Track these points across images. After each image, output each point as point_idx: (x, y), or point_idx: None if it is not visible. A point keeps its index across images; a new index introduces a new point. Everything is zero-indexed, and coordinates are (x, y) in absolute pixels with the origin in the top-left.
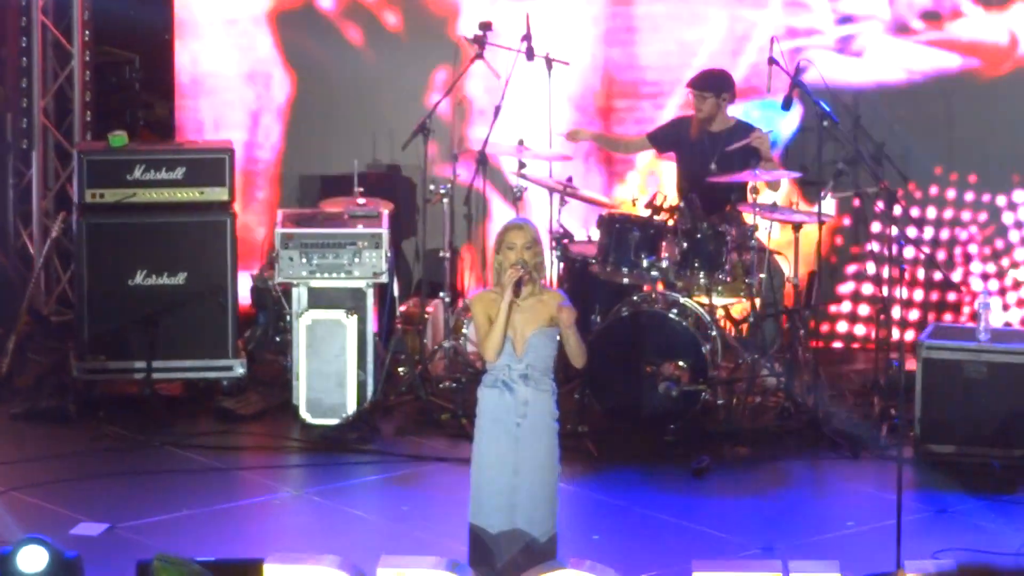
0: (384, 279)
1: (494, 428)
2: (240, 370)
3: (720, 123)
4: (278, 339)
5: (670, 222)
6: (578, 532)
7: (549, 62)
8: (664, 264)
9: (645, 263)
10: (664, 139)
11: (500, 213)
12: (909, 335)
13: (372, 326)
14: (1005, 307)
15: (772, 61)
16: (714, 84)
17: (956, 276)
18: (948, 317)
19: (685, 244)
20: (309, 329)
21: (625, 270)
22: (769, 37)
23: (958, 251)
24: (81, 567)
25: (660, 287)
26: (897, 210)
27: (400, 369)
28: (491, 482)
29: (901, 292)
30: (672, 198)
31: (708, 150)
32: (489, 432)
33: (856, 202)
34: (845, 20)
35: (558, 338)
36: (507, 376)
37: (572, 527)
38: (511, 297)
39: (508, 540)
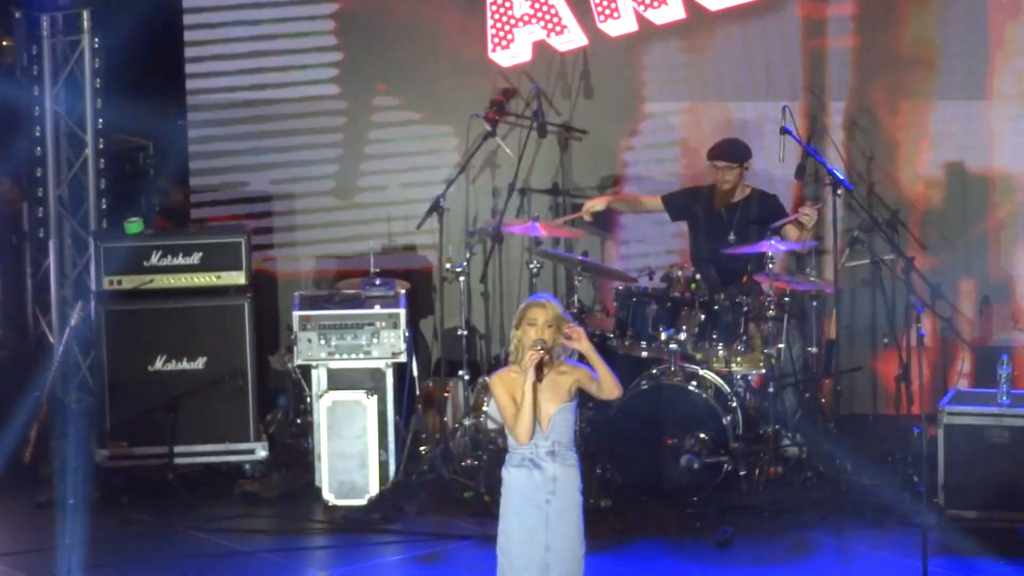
0: (403, 359)
1: (524, 506)
2: (262, 453)
3: (740, 192)
4: (299, 421)
5: (687, 293)
6: None
7: (565, 136)
8: (682, 336)
9: (663, 336)
10: (680, 206)
11: (516, 289)
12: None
13: (392, 406)
14: None
15: (785, 130)
16: (738, 154)
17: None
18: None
19: (703, 316)
20: (329, 410)
21: (644, 343)
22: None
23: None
24: None
25: (679, 359)
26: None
27: (421, 448)
28: (523, 560)
29: (921, 359)
30: (687, 269)
31: (727, 221)
32: (518, 511)
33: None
34: None
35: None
36: (534, 454)
37: None
38: (534, 379)
39: None
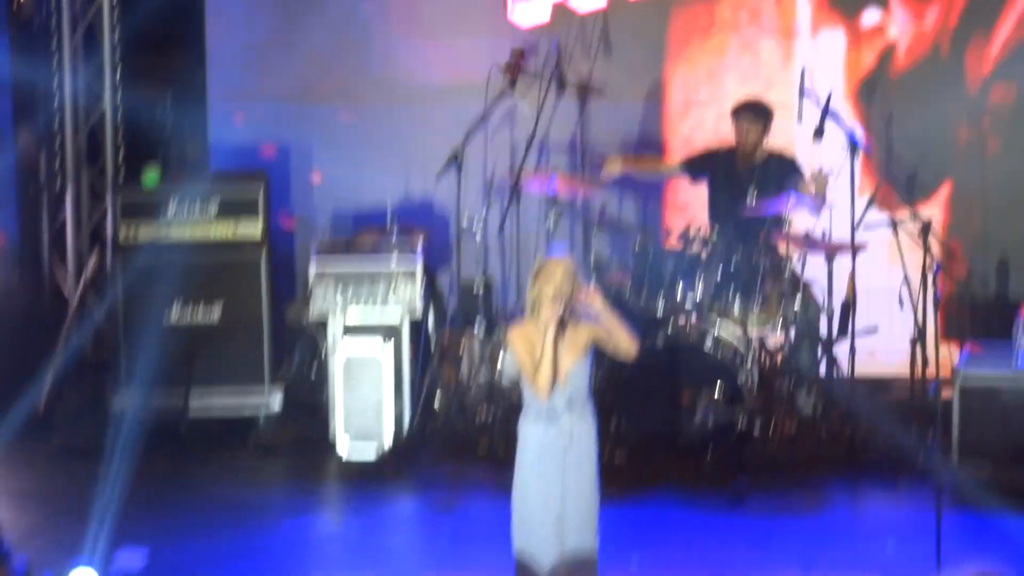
0: (419, 311)
1: (541, 460)
2: (276, 404)
3: (760, 153)
4: (314, 373)
5: (703, 253)
6: (618, 557)
7: (583, 92)
8: (699, 294)
9: (680, 294)
10: (699, 168)
11: (533, 243)
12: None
13: (407, 358)
14: None
15: (803, 92)
16: (762, 113)
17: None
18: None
19: (720, 274)
20: (345, 362)
21: (660, 300)
22: (800, 67)
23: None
24: None
25: (695, 317)
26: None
27: (436, 401)
28: (539, 513)
29: (937, 320)
30: (704, 227)
31: (746, 181)
32: (535, 465)
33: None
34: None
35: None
36: (551, 408)
37: (612, 552)
38: (554, 334)
39: (553, 569)
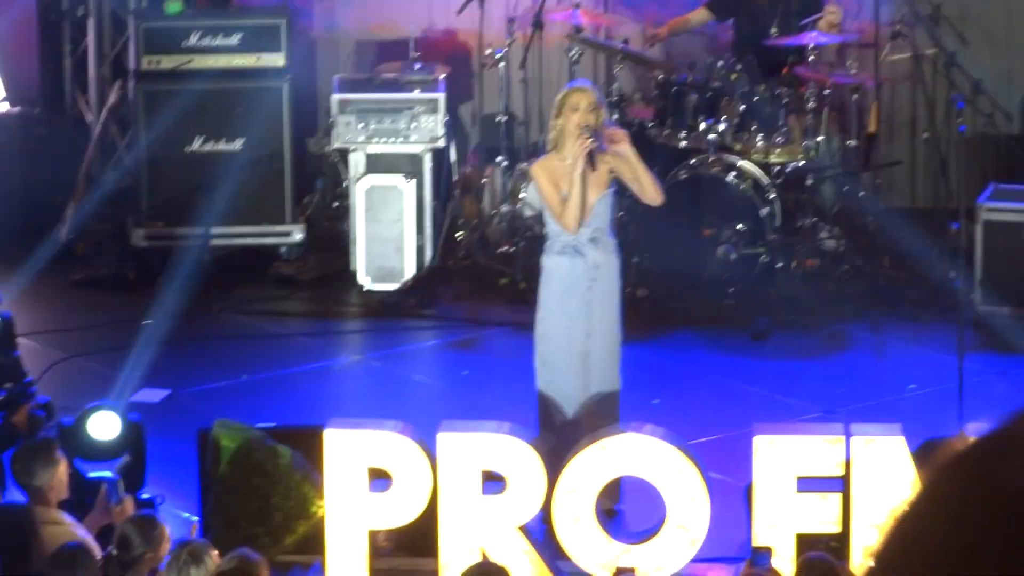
0: (441, 144)
1: (565, 294)
2: (298, 236)
3: None
4: (336, 204)
5: (727, 84)
6: (638, 396)
7: None
8: (722, 127)
9: (703, 126)
10: (724, 5)
11: (555, 77)
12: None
13: (430, 191)
14: None
15: None
16: None
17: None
18: None
19: (743, 107)
20: (367, 194)
21: (683, 133)
22: None
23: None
24: (143, 432)
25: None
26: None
27: (458, 234)
28: (564, 347)
29: (960, 154)
30: (728, 59)
31: (769, 13)
32: (559, 298)
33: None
34: None
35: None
36: (576, 242)
37: (632, 391)
38: (583, 167)
39: (578, 404)
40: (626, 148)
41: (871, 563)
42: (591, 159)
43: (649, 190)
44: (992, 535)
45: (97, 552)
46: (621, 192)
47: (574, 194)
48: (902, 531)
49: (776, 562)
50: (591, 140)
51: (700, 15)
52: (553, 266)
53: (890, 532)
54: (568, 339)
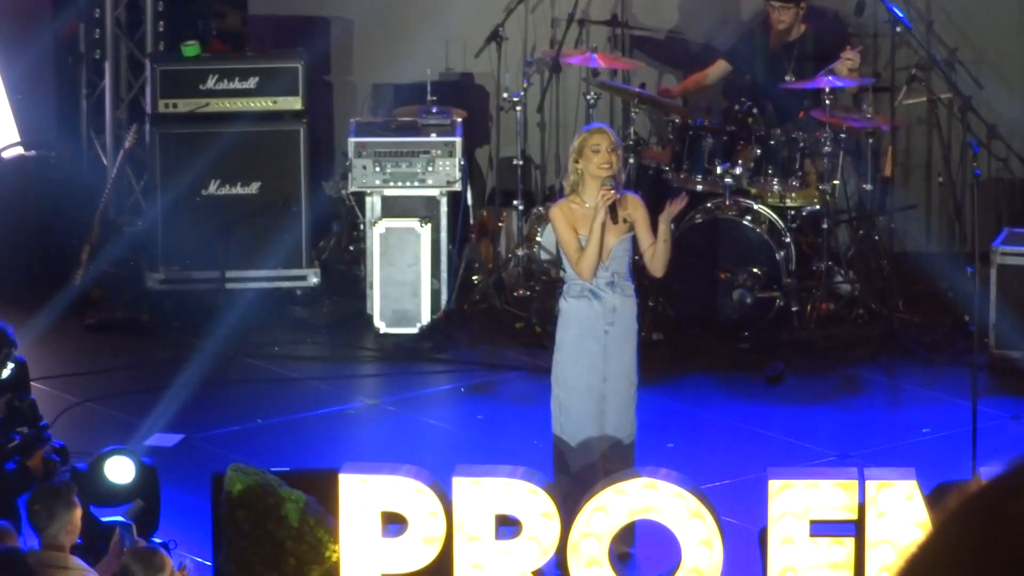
0: (458, 187)
1: (583, 337)
2: (314, 279)
3: (796, 31)
4: (352, 248)
5: (743, 128)
6: (653, 440)
7: None
8: (738, 171)
9: (719, 170)
10: (743, 55)
11: (572, 121)
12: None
13: (446, 234)
14: None
15: None
16: None
17: None
18: None
19: (759, 150)
20: (383, 238)
21: (699, 177)
22: None
23: None
24: (157, 476)
25: (734, 193)
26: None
27: (474, 278)
28: (580, 391)
29: (975, 198)
30: (744, 103)
31: (786, 57)
32: (576, 342)
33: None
34: None
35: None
36: (594, 285)
37: (647, 434)
38: (604, 218)
39: (593, 448)
40: (671, 213)
41: None
42: (613, 212)
43: (660, 259)
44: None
45: None
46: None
47: (592, 242)
48: (913, 572)
49: None
50: (613, 192)
51: (719, 69)
52: (570, 309)
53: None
54: (584, 382)
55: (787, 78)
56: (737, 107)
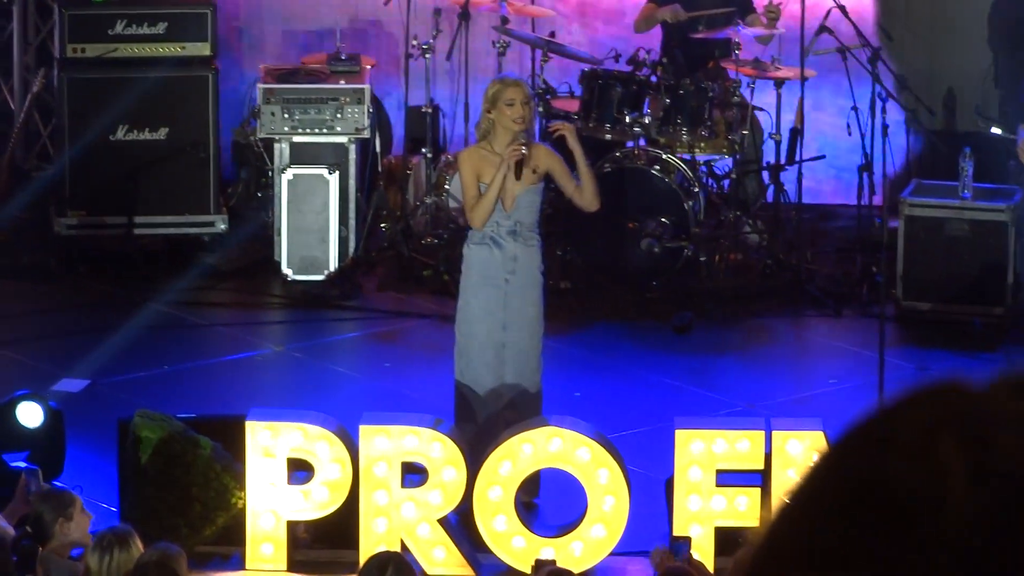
0: (366, 135)
1: (483, 284)
2: (222, 226)
3: None
4: (260, 195)
5: (653, 77)
6: (560, 388)
7: None
8: (647, 120)
9: (628, 119)
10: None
11: (482, 68)
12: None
13: (354, 182)
14: None
15: None
16: None
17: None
18: None
19: (668, 100)
20: (291, 185)
21: (608, 126)
22: None
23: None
24: (62, 421)
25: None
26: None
27: (382, 225)
28: (480, 338)
29: (885, 148)
30: (654, 52)
31: (701, 6)
32: (477, 288)
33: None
34: None
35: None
36: (496, 232)
37: (554, 383)
38: (506, 172)
39: (495, 396)
40: (572, 141)
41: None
42: (518, 168)
43: (588, 193)
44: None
45: (10, 536)
46: (547, 185)
47: (490, 193)
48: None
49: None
50: (522, 149)
51: (647, 12)
52: (472, 256)
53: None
54: (484, 329)
55: (699, 28)
56: (646, 56)
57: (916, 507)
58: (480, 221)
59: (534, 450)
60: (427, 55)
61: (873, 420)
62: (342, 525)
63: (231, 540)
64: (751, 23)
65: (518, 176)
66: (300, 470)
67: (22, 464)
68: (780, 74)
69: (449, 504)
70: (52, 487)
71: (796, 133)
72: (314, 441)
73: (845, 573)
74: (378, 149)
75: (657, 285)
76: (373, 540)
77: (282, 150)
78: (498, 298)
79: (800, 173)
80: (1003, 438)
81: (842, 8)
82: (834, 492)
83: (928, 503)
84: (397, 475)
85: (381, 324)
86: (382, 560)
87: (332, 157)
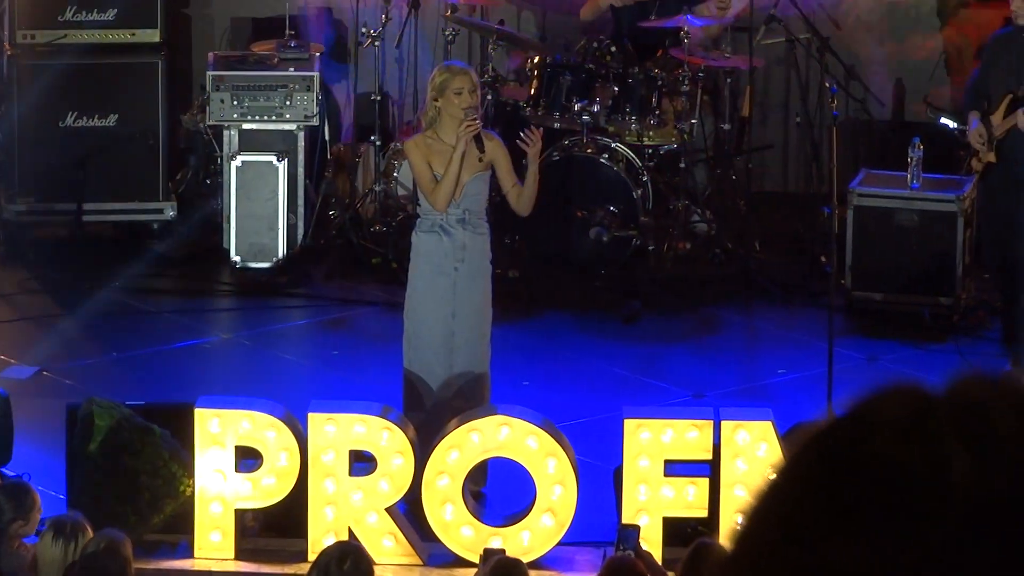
0: (315, 122)
1: (431, 272)
2: (171, 213)
3: None
4: (209, 182)
5: (601, 65)
6: (508, 377)
7: None
8: (595, 109)
9: (576, 107)
10: None
11: (431, 56)
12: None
13: (303, 169)
14: None
15: None
16: None
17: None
18: None
19: (617, 89)
20: (240, 171)
21: (556, 114)
22: None
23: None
24: (9, 407)
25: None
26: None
27: (331, 213)
28: (429, 326)
29: (833, 139)
30: (603, 41)
31: None
32: (426, 276)
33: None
34: None
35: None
36: (444, 220)
37: (502, 372)
38: (464, 149)
39: (444, 384)
40: (534, 152)
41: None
42: (479, 142)
43: (526, 200)
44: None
45: None
46: (494, 172)
47: (449, 173)
48: (762, 508)
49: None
50: (477, 123)
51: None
52: (420, 244)
53: (750, 510)
54: (433, 317)
55: (650, 16)
56: (596, 44)
57: (910, 483)
58: (443, 203)
59: (482, 439)
60: (376, 42)
61: (858, 405)
62: (290, 513)
63: (179, 528)
64: (699, 12)
65: (481, 149)
66: (248, 458)
67: None
68: (729, 63)
69: (397, 493)
70: (17, 482)
71: (745, 122)
72: (262, 429)
73: (829, 547)
74: (327, 136)
75: (605, 274)
76: (322, 528)
77: (231, 137)
78: (447, 286)
79: (749, 162)
80: (1000, 420)
81: None
82: (820, 468)
83: (925, 480)
84: (345, 463)
85: (329, 312)
86: (342, 551)
87: (281, 144)
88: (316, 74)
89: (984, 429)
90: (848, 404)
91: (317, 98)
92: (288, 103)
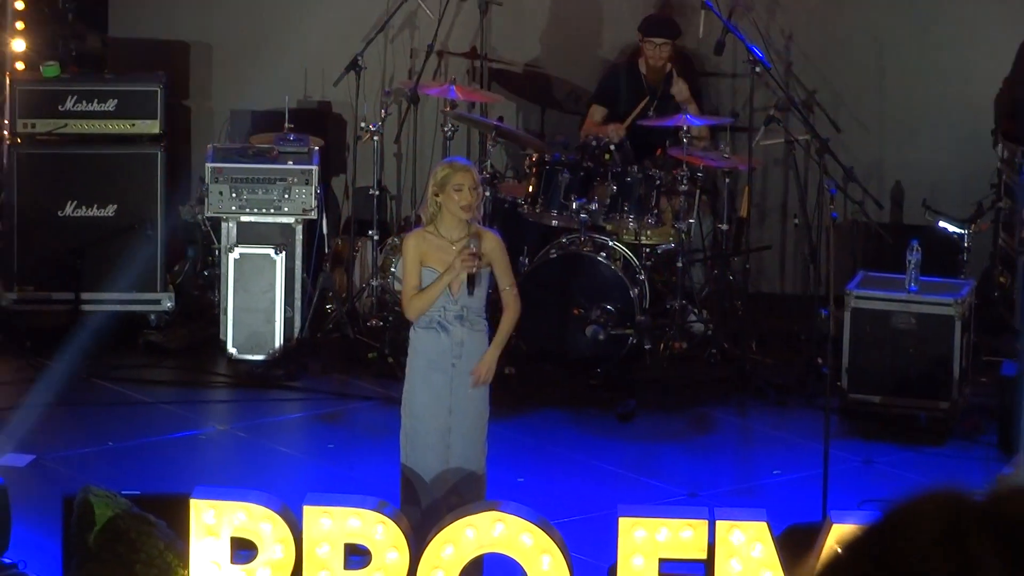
0: (313, 216)
1: (429, 369)
2: (168, 304)
3: (666, 68)
4: (206, 273)
5: (600, 164)
6: (504, 473)
7: (484, 3)
8: (594, 207)
9: (575, 205)
10: (609, 94)
11: (430, 151)
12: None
13: (300, 262)
14: None
15: (705, 4)
16: (673, 30)
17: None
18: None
19: (615, 187)
20: (237, 264)
21: (555, 212)
22: None
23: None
24: (7, 496)
25: (589, 229)
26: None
27: (328, 307)
28: (426, 422)
29: (831, 240)
30: (602, 139)
31: (650, 96)
32: (423, 373)
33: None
34: None
35: (490, 277)
36: (443, 317)
37: (498, 468)
38: (451, 279)
39: (440, 480)
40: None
41: None
42: (471, 283)
43: (513, 312)
44: None
45: None
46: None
47: (431, 293)
48: None
49: None
50: (475, 261)
51: (597, 113)
52: (418, 340)
53: None
54: (431, 413)
55: (649, 114)
56: (594, 143)
57: None
58: (415, 315)
59: (477, 534)
60: (375, 137)
61: (895, 511)
62: None
63: None
64: (694, 111)
65: (471, 292)
66: (243, 549)
67: None
68: (728, 163)
69: None
70: (13, 573)
71: (743, 222)
72: (258, 521)
73: None
74: (325, 230)
75: (601, 372)
76: None
77: (229, 229)
78: (445, 383)
79: (746, 262)
80: None
81: (791, 99)
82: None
83: None
84: (340, 556)
85: (325, 405)
86: None
87: (279, 237)
88: (315, 167)
89: (1019, 544)
90: (887, 508)
91: (316, 192)
92: (287, 196)
